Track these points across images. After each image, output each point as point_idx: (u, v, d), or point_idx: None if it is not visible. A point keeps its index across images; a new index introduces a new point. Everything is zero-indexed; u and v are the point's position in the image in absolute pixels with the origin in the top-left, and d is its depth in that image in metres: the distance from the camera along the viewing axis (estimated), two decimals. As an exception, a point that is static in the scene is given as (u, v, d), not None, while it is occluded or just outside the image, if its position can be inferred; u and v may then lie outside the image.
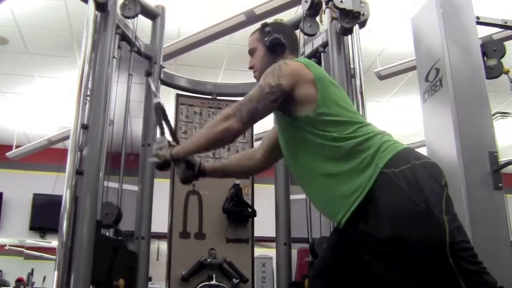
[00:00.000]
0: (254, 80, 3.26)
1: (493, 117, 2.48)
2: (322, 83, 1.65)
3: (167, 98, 3.27)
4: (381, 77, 4.42)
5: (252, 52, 1.88)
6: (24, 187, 7.36)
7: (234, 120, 1.62)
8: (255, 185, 3.05)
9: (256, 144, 3.26)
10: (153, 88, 2.28)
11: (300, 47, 2.78)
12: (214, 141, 1.69)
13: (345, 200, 1.51)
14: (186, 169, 1.84)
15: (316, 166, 1.61)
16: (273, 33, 1.83)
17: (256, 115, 1.64)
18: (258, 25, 1.94)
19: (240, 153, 2.06)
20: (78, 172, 2.15)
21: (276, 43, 1.81)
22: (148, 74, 2.50)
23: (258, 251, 3.64)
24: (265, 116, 1.66)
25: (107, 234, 2.46)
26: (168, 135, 1.87)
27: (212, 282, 2.77)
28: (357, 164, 1.52)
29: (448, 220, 1.39)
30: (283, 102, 1.65)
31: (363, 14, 2.47)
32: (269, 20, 2.07)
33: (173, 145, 1.80)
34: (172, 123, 3.05)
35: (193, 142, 1.75)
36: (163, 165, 1.79)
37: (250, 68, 1.90)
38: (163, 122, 1.90)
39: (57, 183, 6.67)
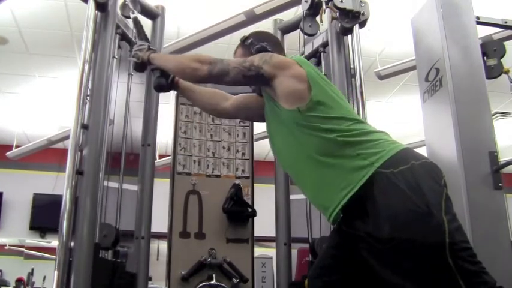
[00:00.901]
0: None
1: (493, 117, 2.48)
2: (314, 80, 1.66)
3: (167, 98, 3.27)
4: (381, 77, 4.42)
5: None
6: (24, 187, 7.36)
7: (205, 67, 1.74)
8: (255, 185, 3.05)
9: (256, 143, 3.27)
10: (131, 5, 2.38)
11: (300, 47, 2.78)
12: (181, 71, 1.86)
13: (336, 194, 1.52)
14: (160, 77, 1.97)
15: (308, 159, 1.61)
16: (256, 42, 1.85)
17: (225, 77, 1.73)
18: (258, 25, 1.94)
19: (216, 91, 2.14)
20: (78, 172, 2.15)
21: (262, 51, 1.81)
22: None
23: (258, 251, 3.64)
24: (230, 83, 1.75)
25: (106, 255, 2.44)
26: None
27: (212, 282, 2.77)
28: (350, 158, 1.52)
29: (448, 220, 1.39)
30: (265, 88, 1.75)
31: (363, 14, 2.47)
32: (268, 21, 2.09)
33: (153, 49, 2.00)
34: (173, 123, 3.08)
35: (168, 60, 1.94)
36: (140, 66, 1.99)
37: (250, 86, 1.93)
38: (140, 32, 2.15)
39: (57, 183, 6.68)
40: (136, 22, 2.23)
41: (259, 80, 1.73)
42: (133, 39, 2.73)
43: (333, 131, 1.57)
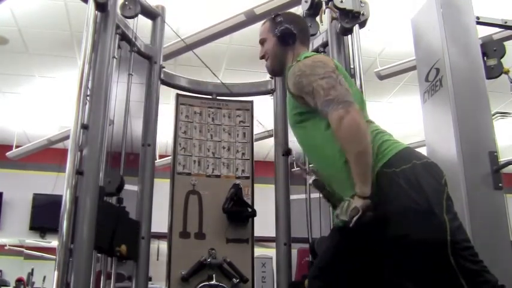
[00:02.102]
0: (254, 80, 3.26)
1: (493, 117, 2.48)
2: (340, 72, 1.65)
3: (167, 98, 3.27)
4: (381, 77, 4.42)
5: (262, 42, 1.89)
6: (24, 187, 7.36)
7: (348, 110, 1.47)
8: (255, 185, 3.05)
9: (256, 143, 3.27)
10: (304, 167, 2.00)
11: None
12: (363, 136, 1.47)
13: (343, 192, 1.55)
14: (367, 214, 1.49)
15: (326, 159, 1.63)
16: (284, 23, 1.82)
17: (348, 91, 1.54)
18: (258, 25, 1.94)
19: None
20: (78, 172, 2.15)
21: (287, 33, 1.81)
22: (288, 152, 2.31)
23: (258, 251, 3.64)
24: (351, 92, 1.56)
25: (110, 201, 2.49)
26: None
27: (212, 282, 2.77)
28: None
29: (449, 219, 1.39)
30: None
31: (363, 14, 2.47)
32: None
33: (349, 199, 1.48)
34: (173, 123, 3.08)
35: (357, 169, 1.47)
36: (362, 218, 1.45)
37: (262, 57, 1.89)
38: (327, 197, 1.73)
39: (57, 183, 6.67)
40: (320, 186, 1.74)
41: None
42: (133, 39, 2.73)
43: None
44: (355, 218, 1.43)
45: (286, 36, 1.81)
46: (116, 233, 2.31)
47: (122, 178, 2.46)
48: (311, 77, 1.57)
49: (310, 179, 1.74)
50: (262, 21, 1.92)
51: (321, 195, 1.77)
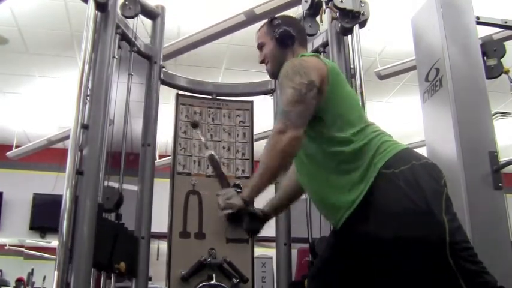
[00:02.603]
0: (254, 80, 3.25)
1: (493, 117, 2.48)
2: (333, 77, 1.65)
3: (167, 98, 3.27)
4: (381, 77, 4.42)
5: (260, 46, 1.88)
6: (24, 187, 7.36)
7: (291, 129, 1.52)
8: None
9: (256, 144, 3.27)
10: (203, 139, 2.16)
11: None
12: (283, 158, 1.54)
13: (344, 204, 1.52)
14: (250, 221, 1.68)
15: (319, 168, 1.62)
16: (282, 25, 1.82)
17: (306, 115, 1.56)
18: (257, 25, 1.94)
19: (288, 176, 1.95)
20: (78, 172, 2.15)
21: (286, 35, 1.81)
22: (195, 125, 2.45)
23: (258, 251, 3.64)
24: (311, 114, 1.58)
25: (109, 218, 2.48)
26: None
27: (212, 282, 2.77)
28: (356, 167, 1.52)
29: (448, 220, 1.39)
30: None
31: (363, 14, 2.47)
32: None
33: (240, 191, 1.64)
34: (173, 123, 3.08)
35: (261, 174, 1.57)
36: (236, 216, 1.60)
37: (261, 62, 1.89)
38: (217, 174, 1.83)
39: (57, 183, 6.67)
40: (213, 159, 1.91)
41: (318, 91, 1.59)
42: (133, 39, 2.73)
43: (341, 142, 1.57)
44: (226, 211, 1.59)
45: (285, 38, 1.80)
46: (115, 250, 2.30)
47: (121, 194, 2.46)
48: (288, 81, 1.59)
49: (207, 152, 1.84)
50: (258, 27, 1.92)
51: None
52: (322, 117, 1.60)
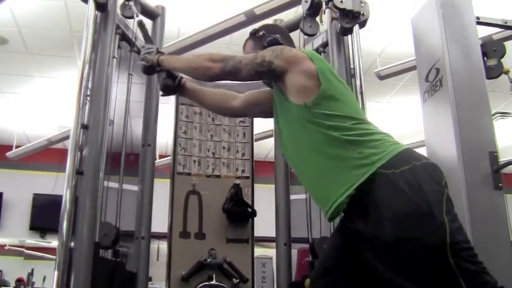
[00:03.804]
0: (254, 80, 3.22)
1: (493, 117, 2.48)
2: (325, 76, 1.66)
3: (167, 98, 3.26)
4: (381, 77, 4.42)
5: None
6: (24, 187, 7.37)
7: (218, 65, 1.74)
8: (255, 185, 3.05)
9: (256, 143, 3.27)
10: (134, 9, 2.44)
11: (300, 47, 2.78)
12: (192, 71, 1.84)
13: (334, 190, 1.53)
14: (166, 78, 1.97)
15: (311, 153, 1.63)
16: (268, 34, 1.84)
17: (237, 75, 1.75)
18: (257, 25, 1.94)
19: (223, 91, 2.17)
20: (78, 172, 2.15)
21: (274, 43, 1.81)
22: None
23: (258, 251, 3.64)
24: (244, 80, 1.79)
25: (106, 255, 2.42)
26: None
27: (212, 282, 2.77)
28: (352, 156, 1.53)
29: (449, 220, 1.39)
30: (276, 82, 1.74)
31: (363, 14, 2.47)
32: (268, 21, 2.09)
33: (161, 52, 1.98)
34: (173, 123, 3.08)
35: (178, 61, 1.93)
36: (149, 69, 1.98)
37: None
38: (146, 36, 2.17)
39: (57, 183, 6.68)
40: (142, 25, 2.24)
41: (271, 75, 1.73)
42: (133, 39, 2.73)
43: (336, 128, 1.58)
44: (142, 63, 1.99)
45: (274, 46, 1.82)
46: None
47: (118, 230, 2.41)
48: (263, 51, 1.76)
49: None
50: (243, 43, 1.98)
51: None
52: (316, 115, 1.61)
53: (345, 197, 1.50)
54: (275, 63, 1.68)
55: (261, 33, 1.87)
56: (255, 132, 3.23)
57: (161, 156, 5.71)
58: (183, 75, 2.05)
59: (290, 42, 1.91)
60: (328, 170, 1.58)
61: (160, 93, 2.10)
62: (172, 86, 1.99)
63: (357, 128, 1.58)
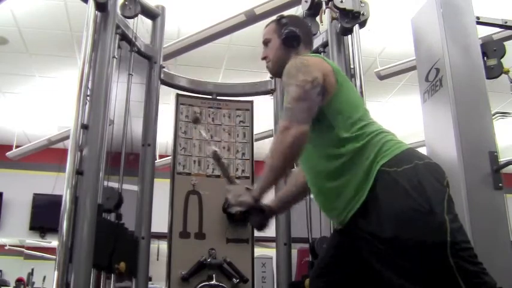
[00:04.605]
0: (254, 80, 3.25)
1: (493, 117, 2.48)
2: (339, 76, 1.67)
3: (167, 98, 3.27)
4: (381, 77, 4.42)
5: (266, 43, 1.88)
6: (24, 187, 7.36)
7: (296, 125, 1.53)
8: (255, 185, 3.04)
9: (256, 144, 3.27)
10: (205, 135, 2.11)
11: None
12: (290, 153, 1.56)
13: (348, 201, 1.53)
14: (256, 216, 1.69)
15: (322, 164, 1.63)
16: (290, 25, 1.83)
17: (310, 112, 1.57)
18: (258, 25, 1.94)
19: (292, 178, 1.95)
20: (78, 172, 2.15)
21: (292, 36, 1.81)
22: (196, 120, 2.42)
23: (258, 251, 3.64)
24: (315, 111, 1.59)
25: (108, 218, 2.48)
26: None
27: (212, 282, 2.77)
28: (360, 165, 1.53)
29: (450, 220, 1.39)
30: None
31: (363, 14, 2.47)
32: (269, 20, 2.07)
33: (250, 188, 1.66)
34: (173, 123, 3.08)
35: (268, 172, 1.59)
36: (246, 213, 1.65)
37: (263, 58, 1.89)
38: (223, 170, 1.83)
39: (57, 183, 6.67)
40: (215, 156, 1.84)
41: (322, 88, 1.60)
42: (133, 39, 2.73)
43: (344, 139, 1.57)
44: (235, 209, 1.65)
45: (291, 38, 1.81)
46: (115, 250, 2.29)
47: (121, 195, 2.46)
48: (291, 79, 1.62)
49: (211, 149, 1.83)
50: (267, 23, 1.92)
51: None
52: (327, 115, 1.61)
53: (359, 205, 1.50)
54: (317, 75, 1.59)
55: (284, 21, 1.85)
56: (255, 132, 3.23)
57: (161, 156, 5.71)
58: (270, 205, 1.79)
59: (309, 40, 1.90)
60: (339, 181, 1.57)
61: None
62: (266, 219, 1.75)
63: (361, 136, 1.57)
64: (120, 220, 2.47)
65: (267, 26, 1.90)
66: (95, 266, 2.20)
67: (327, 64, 1.68)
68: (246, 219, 1.70)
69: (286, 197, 1.92)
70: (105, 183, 2.44)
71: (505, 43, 2.63)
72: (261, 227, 1.75)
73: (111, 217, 2.49)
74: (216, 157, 1.83)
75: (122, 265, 2.32)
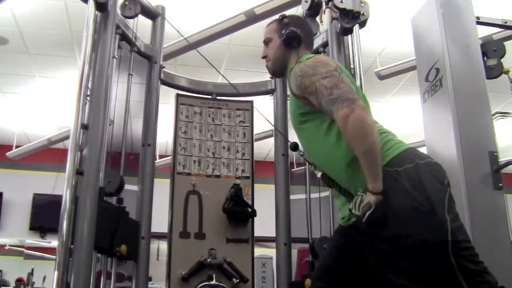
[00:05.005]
0: (254, 80, 3.26)
1: (493, 117, 2.48)
2: (346, 74, 1.66)
3: (167, 98, 3.27)
4: (381, 77, 4.42)
5: (266, 42, 1.88)
6: (24, 187, 7.36)
7: (352, 108, 1.46)
8: (255, 185, 3.05)
9: (256, 143, 3.27)
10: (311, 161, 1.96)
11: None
12: (370, 132, 1.46)
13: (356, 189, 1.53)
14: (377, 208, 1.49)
15: (329, 165, 1.64)
16: (291, 26, 1.82)
17: (352, 91, 1.53)
18: (258, 25, 1.94)
19: None
20: (78, 172, 2.15)
21: (293, 36, 1.81)
22: (295, 148, 2.15)
23: (258, 251, 3.64)
24: (354, 91, 1.55)
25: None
26: None
27: (212, 282, 2.77)
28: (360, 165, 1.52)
29: (451, 219, 1.39)
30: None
31: (363, 14, 2.47)
32: (269, 20, 2.06)
33: (361, 194, 1.51)
34: (173, 123, 3.08)
35: (367, 165, 1.47)
36: (378, 211, 1.46)
37: (263, 57, 1.89)
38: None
39: (57, 183, 6.68)
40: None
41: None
42: (133, 39, 2.73)
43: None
44: (368, 213, 1.45)
45: (292, 38, 1.81)
46: (116, 233, 2.31)
47: (122, 178, 2.46)
48: (313, 77, 1.58)
49: (319, 173, 1.72)
50: (268, 22, 1.92)
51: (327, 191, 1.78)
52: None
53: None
54: (334, 65, 1.60)
55: (286, 21, 1.85)
56: (255, 132, 3.23)
57: (161, 156, 5.71)
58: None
59: (309, 41, 1.89)
60: (340, 173, 1.59)
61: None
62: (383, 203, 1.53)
63: None
64: (121, 204, 2.47)
65: (268, 25, 1.90)
66: (97, 249, 2.21)
67: (333, 61, 1.70)
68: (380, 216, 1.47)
69: None
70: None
71: (505, 43, 2.63)
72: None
73: (113, 201, 2.49)
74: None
75: (123, 248, 2.34)
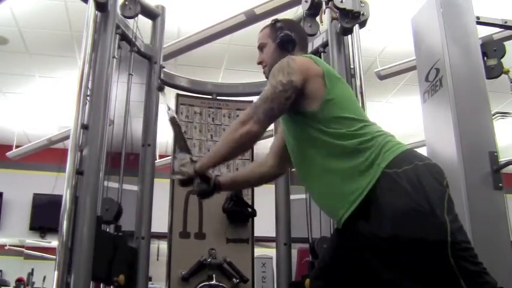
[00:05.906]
0: (254, 80, 3.26)
1: (493, 117, 2.48)
2: (330, 79, 1.65)
3: (167, 98, 3.27)
4: (381, 77, 4.42)
5: (261, 47, 1.88)
6: (24, 187, 7.36)
7: (252, 123, 1.59)
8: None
9: (256, 143, 3.26)
10: (167, 103, 2.13)
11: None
12: (235, 147, 1.66)
13: (346, 198, 1.52)
14: (200, 183, 1.79)
15: (321, 163, 1.62)
16: (284, 29, 1.82)
17: (273, 114, 1.62)
18: (257, 25, 1.94)
19: (251, 166, 2.09)
20: (78, 172, 2.15)
21: (287, 40, 1.81)
22: (160, 88, 2.44)
23: (258, 251, 3.64)
24: (281, 114, 1.66)
25: (107, 230, 2.46)
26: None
27: (212, 282, 2.77)
28: (359, 162, 1.52)
29: (450, 220, 1.39)
30: (294, 98, 1.63)
31: (363, 14, 2.47)
32: (269, 20, 2.06)
33: (195, 160, 1.77)
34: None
35: (214, 153, 1.73)
36: (186, 181, 1.78)
37: (259, 63, 1.89)
38: (178, 137, 1.95)
39: (57, 183, 6.68)
40: (175, 123, 1.99)
41: (297, 93, 1.61)
42: (133, 39, 2.73)
43: (344, 136, 1.57)
44: (178, 177, 1.76)
45: (286, 42, 1.81)
46: (114, 262, 2.28)
47: (120, 206, 2.44)
48: (271, 77, 1.65)
49: (170, 113, 1.95)
50: (261, 27, 1.92)
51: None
52: (322, 119, 1.61)
53: (357, 204, 1.49)
54: (294, 79, 1.60)
55: (279, 25, 1.85)
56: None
57: (161, 156, 5.71)
58: (218, 174, 1.91)
59: (304, 44, 1.89)
60: (338, 178, 1.56)
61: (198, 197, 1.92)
62: (209, 189, 1.83)
63: (362, 134, 1.57)
64: (119, 231, 2.44)
65: (261, 30, 1.90)
66: (94, 279, 2.18)
67: (316, 66, 1.66)
68: (186, 185, 1.81)
69: (237, 178, 2.03)
70: (105, 183, 2.44)
71: (505, 43, 2.63)
72: (202, 195, 1.85)
73: (110, 228, 2.46)
74: (174, 122, 1.96)
75: (121, 277, 2.29)
